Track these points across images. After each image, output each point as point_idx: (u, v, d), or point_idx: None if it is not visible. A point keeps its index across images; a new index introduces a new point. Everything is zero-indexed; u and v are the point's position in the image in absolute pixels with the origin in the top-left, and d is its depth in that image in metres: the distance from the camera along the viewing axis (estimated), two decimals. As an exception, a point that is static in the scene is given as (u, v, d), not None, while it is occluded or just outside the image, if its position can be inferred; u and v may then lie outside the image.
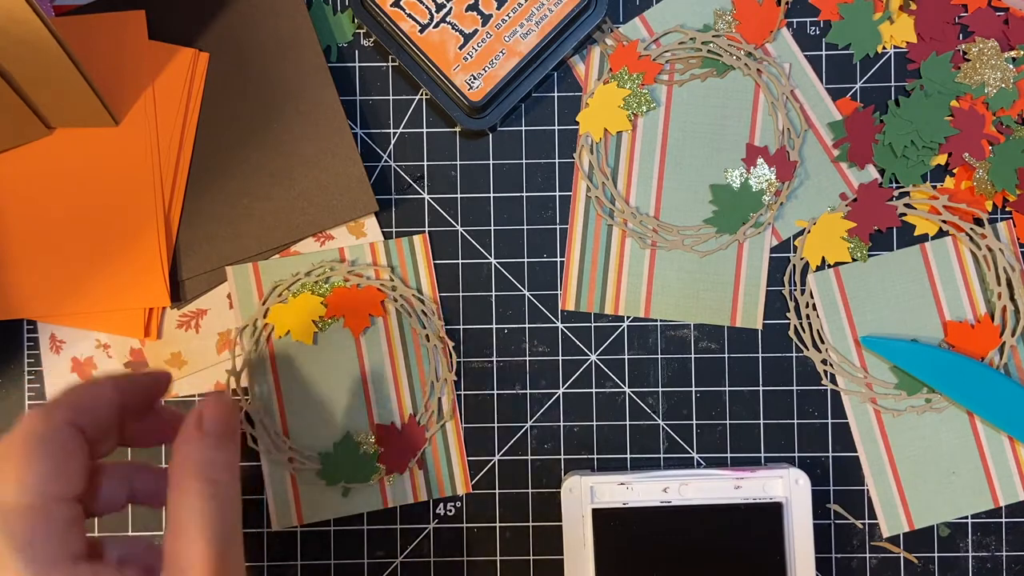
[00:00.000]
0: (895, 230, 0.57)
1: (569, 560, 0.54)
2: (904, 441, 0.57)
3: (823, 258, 0.57)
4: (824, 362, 0.57)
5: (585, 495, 0.54)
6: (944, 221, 0.56)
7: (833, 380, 0.57)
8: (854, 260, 0.57)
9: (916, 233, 0.57)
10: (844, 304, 0.57)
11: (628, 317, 0.57)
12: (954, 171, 0.57)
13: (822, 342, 0.57)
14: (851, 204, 0.57)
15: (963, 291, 0.57)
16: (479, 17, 0.54)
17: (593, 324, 0.57)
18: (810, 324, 0.57)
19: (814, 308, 0.57)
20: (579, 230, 0.57)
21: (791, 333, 0.57)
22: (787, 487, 0.54)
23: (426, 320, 0.56)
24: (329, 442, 0.56)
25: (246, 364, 0.56)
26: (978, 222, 0.56)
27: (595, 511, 0.54)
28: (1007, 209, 0.57)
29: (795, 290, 0.57)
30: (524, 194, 0.58)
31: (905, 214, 0.57)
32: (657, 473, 0.54)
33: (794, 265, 0.57)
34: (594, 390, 0.57)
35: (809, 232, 0.57)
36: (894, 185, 0.57)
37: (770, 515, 0.53)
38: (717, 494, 0.54)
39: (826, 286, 0.57)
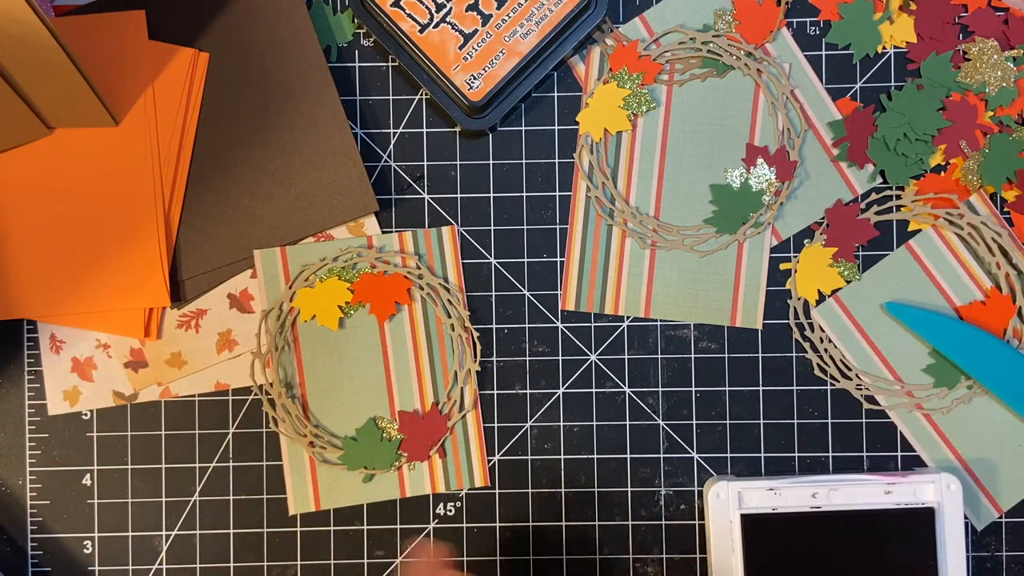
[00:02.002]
0: (881, 236, 0.57)
1: (716, 564, 0.53)
2: (963, 434, 0.56)
3: (819, 291, 0.57)
4: (859, 387, 0.57)
5: (733, 500, 0.54)
6: (916, 214, 0.56)
7: (873, 401, 0.57)
8: (848, 283, 0.57)
9: (910, 229, 0.57)
10: (856, 327, 0.57)
11: (628, 317, 0.57)
12: (948, 165, 0.57)
13: (849, 370, 0.57)
14: (825, 231, 0.57)
15: (962, 273, 0.57)
16: (479, 17, 0.54)
17: (593, 324, 0.57)
18: (831, 357, 0.57)
19: (829, 341, 0.57)
20: (579, 230, 0.57)
21: (816, 372, 0.57)
22: (939, 492, 0.53)
23: (451, 309, 0.56)
24: (349, 427, 0.56)
25: (270, 347, 0.56)
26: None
27: (744, 516, 0.53)
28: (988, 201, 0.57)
29: (805, 330, 0.57)
30: (524, 194, 0.58)
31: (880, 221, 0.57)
32: (806, 478, 0.54)
33: (795, 308, 0.57)
34: (594, 390, 0.57)
35: (796, 272, 0.56)
36: (878, 182, 0.57)
37: (922, 521, 0.53)
38: (867, 499, 0.53)
39: (832, 317, 0.57)
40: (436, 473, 0.57)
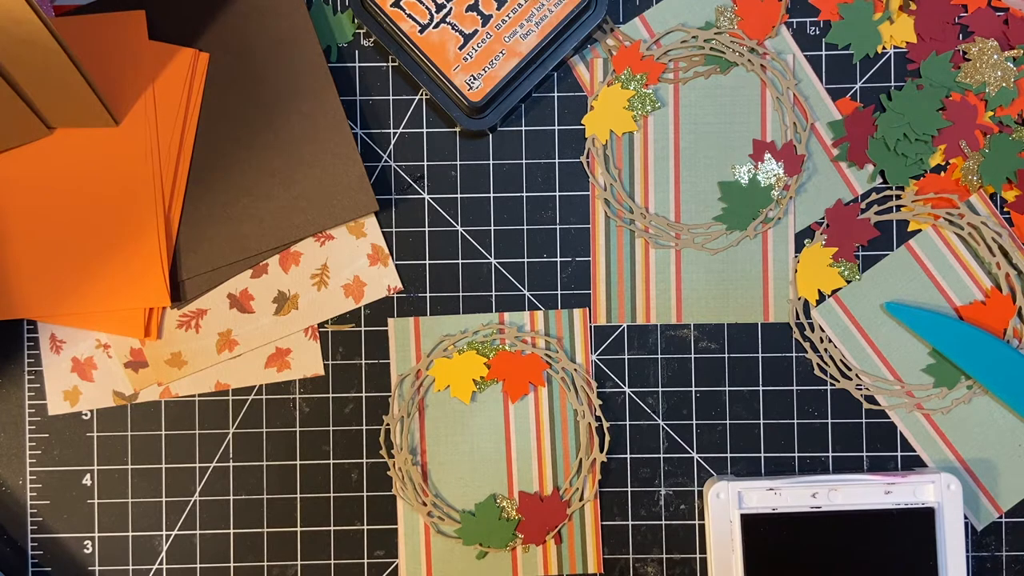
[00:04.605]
0: (881, 236, 0.57)
1: (716, 564, 0.53)
2: (963, 434, 0.56)
3: (819, 291, 0.57)
4: (859, 387, 0.57)
5: (733, 500, 0.54)
6: (916, 214, 0.56)
7: (873, 401, 0.57)
8: (848, 283, 0.57)
9: (910, 229, 0.57)
10: (856, 327, 0.57)
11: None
12: (948, 165, 0.57)
13: (849, 370, 0.57)
14: (826, 231, 0.57)
15: (962, 273, 0.57)
16: (479, 17, 0.54)
17: (592, 324, 0.57)
18: (831, 357, 0.57)
19: (830, 341, 0.57)
20: (602, 243, 0.57)
21: (816, 372, 0.57)
22: (939, 492, 0.53)
23: (582, 396, 0.56)
24: (466, 501, 0.57)
25: (401, 412, 0.56)
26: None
27: (744, 516, 0.53)
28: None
29: (805, 330, 0.57)
30: (524, 194, 0.58)
31: (881, 220, 0.57)
32: (806, 478, 0.54)
33: (796, 309, 0.57)
34: (595, 390, 0.57)
35: (796, 271, 0.56)
36: (878, 182, 0.57)
37: (922, 521, 0.53)
38: (867, 499, 0.54)
39: (832, 317, 0.57)
40: (550, 557, 0.56)
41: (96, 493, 0.58)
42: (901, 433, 0.57)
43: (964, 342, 0.55)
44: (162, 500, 0.58)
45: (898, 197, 0.57)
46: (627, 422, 0.57)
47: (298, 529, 0.57)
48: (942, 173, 0.57)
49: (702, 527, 0.57)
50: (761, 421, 0.57)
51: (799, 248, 0.57)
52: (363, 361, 0.58)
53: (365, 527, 0.57)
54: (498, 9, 0.54)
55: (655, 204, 0.57)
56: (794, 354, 0.57)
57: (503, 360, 0.56)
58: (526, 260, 0.58)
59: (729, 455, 0.57)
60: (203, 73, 0.56)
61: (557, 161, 0.58)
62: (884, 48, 0.57)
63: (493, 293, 0.58)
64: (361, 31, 0.58)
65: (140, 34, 0.56)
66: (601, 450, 0.56)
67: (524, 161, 0.58)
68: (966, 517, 0.56)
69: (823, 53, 0.58)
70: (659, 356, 0.57)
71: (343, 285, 0.57)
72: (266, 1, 0.56)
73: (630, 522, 0.57)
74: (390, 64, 0.58)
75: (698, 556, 0.57)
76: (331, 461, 0.57)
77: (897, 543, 0.53)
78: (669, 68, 0.57)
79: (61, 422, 0.58)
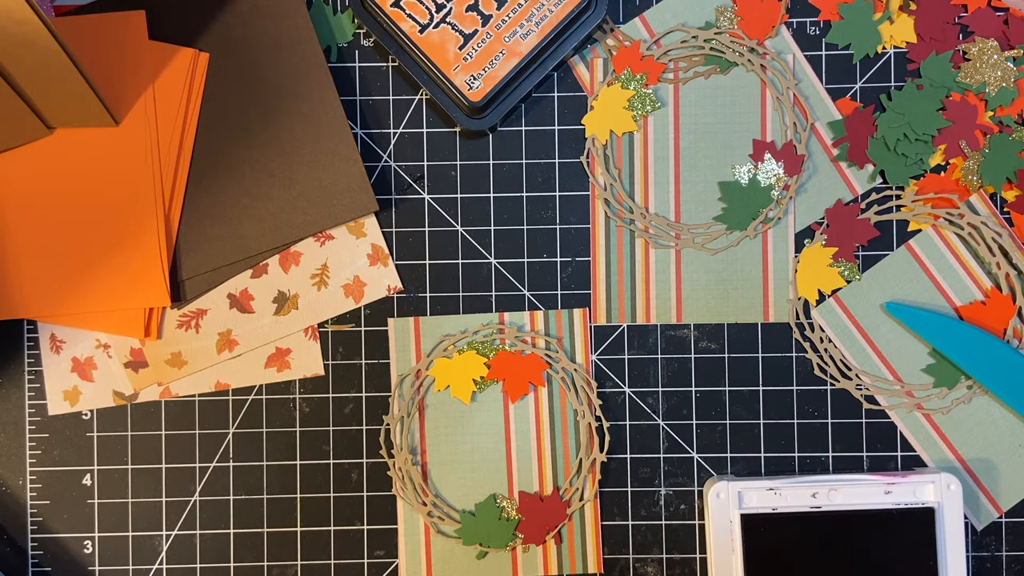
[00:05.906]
0: (881, 237, 0.57)
1: (716, 564, 0.53)
2: (963, 433, 0.56)
3: (819, 291, 0.57)
4: (859, 387, 0.57)
5: (733, 500, 0.54)
6: (916, 214, 0.56)
7: (873, 401, 0.57)
8: (848, 283, 0.57)
9: (910, 229, 0.57)
10: (856, 327, 0.57)
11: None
12: (948, 165, 0.57)
13: (849, 370, 0.57)
14: (826, 231, 0.57)
15: (962, 273, 0.57)
16: (479, 17, 0.54)
17: (592, 324, 0.57)
18: (831, 357, 0.57)
19: (830, 341, 0.57)
20: (602, 243, 0.57)
21: (816, 372, 0.57)
22: (939, 492, 0.53)
23: (582, 396, 0.56)
24: (466, 501, 0.57)
25: (401, 412, 0.56)
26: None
27: (744, 516, 0.53)
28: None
29: (805, 330, 0.57)
30: (524, 194, 0.58)
31: (881, 221, 0.57)
32: (806, 478, 0.54)
33: (796, 309, 0.57)
34: (595, 390, 0.57)
35: (796, 271, 0.56)
36: (878, 182, 0.57)
37: (922, 521, 0.53)
38: (867, 499, 0.54)
39: (833, 317, 0.57)
40: (550, 557, 0.56)
41: (96, 493, 0.58)
42: (901, 433, 0.57)
43: (964, 342, 0.55)
44: (162, 500, 0.58)
45: (898, 197, 0.57)
46: (627, 422, 0.57)
47: (298, 529, 0.57)
48: (942, 173, 0.57)
49: (702, 527, 0.57)
50: (761, 421, 0.57)
51: (799, 248, 0.57)
52: (363, 361, 0.58)
53: (365, 527, 0.57)
54: (498, 9, 0.54)
55: (655, 204, 0.57)
56: (794, 354, 0.57)
57: (503, 360, 0.56)
58: (526, 260, 0.58)
59: (729, 455, 0.57)
60: (203, 73, 0.56)
61: (557, 161, 0.58)
62: (884, 48, 0.57)
63: (493, 293, 0.58)
64: (361, 31, 0.58)
65: (140, 34, 0.56)
66: (601, 450, 0.56)
67: (524, 161, 0.58)
68: (966, 517, 0.56)
69: (823, 53, 0.58)
70: (659, 356, 0.57)
71: (343, 285, 0.57)
72: (266, 1, 0.57)
73: (630, 522, 0.57)
74: (390, 64, 0.58)
75: (698, 556, 0.57)
76: (331, 461, 0.57)
77: (897, 543, 0.53)
78: (669, 68, 0.57)
79: (61, 422, 0.58)
